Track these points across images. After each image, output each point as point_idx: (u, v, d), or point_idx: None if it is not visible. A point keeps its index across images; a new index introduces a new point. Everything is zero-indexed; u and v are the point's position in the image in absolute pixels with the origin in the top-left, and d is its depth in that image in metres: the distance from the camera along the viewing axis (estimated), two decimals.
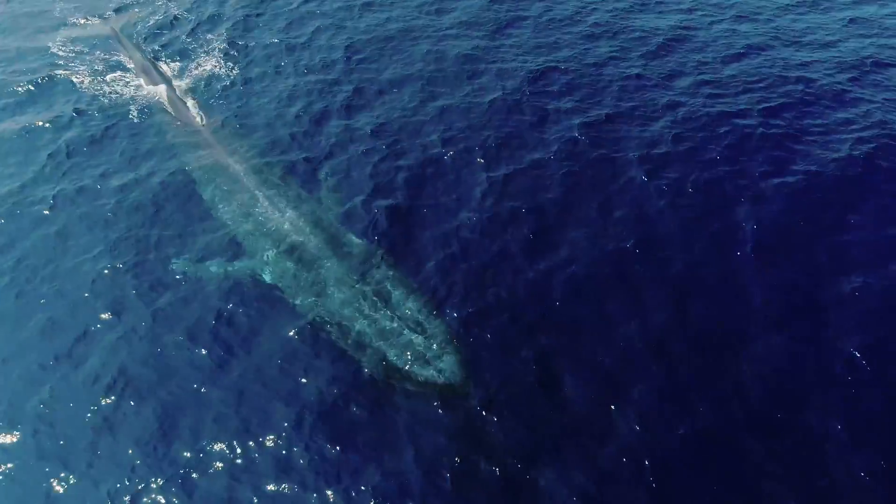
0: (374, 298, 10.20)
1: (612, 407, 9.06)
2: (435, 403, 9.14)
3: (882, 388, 9.09)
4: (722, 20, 19.57)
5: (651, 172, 13.11)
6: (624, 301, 10.53)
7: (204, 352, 9.93)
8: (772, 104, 15.35)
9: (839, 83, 16.20)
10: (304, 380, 9.53)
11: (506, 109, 15.36)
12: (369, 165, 13.66)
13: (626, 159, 13.53)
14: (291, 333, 10.13)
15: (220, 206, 12.49)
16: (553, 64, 17.14)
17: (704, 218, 11.98)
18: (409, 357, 9.45)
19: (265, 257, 11.24)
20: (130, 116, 15.41)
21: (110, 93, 16.32)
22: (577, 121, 14.75)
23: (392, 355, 9.53)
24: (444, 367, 9.28)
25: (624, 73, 16.74)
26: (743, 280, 10.73)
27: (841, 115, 14.93)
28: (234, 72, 17.31)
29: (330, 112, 15.62)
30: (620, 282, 10.89)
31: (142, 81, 16.63)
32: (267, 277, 10.96)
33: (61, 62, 17.72)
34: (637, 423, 8.85)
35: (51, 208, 12.69)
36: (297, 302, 10.53)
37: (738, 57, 17.42)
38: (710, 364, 9.54)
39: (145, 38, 19.17)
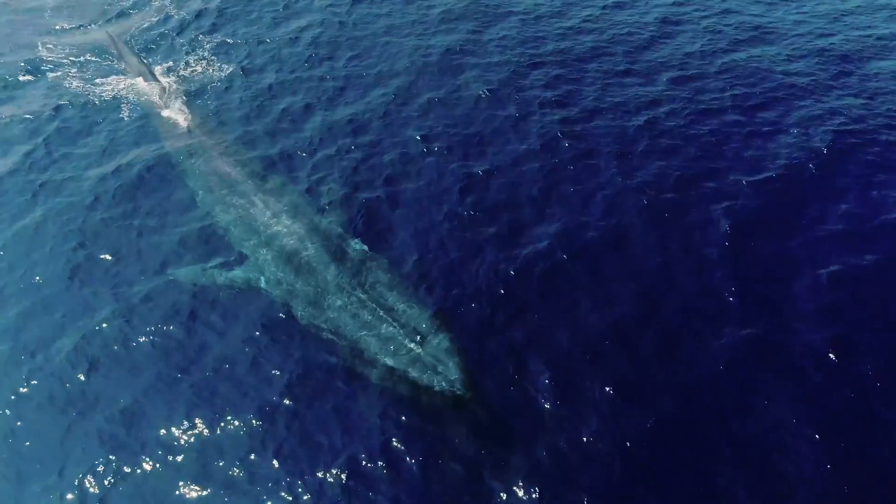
0: (355, 291, 10.24)
1: (582, 398, 9.11)
2: (407, 394, 9.23)
3: (850, 382, 9.12)
4: (710, 15, 19.57)
5: (631, 169, 13.15)
6: (597, 295, 10.57)
7: (179, 340, 10.04)
8: (756, 100, 15.37)
9: (825, 78, 16.20)
10: (280, 368, 9.61)
11: (490, 105, 15.42)
12: (353, 161, 13.74)
13: (606, 155, 13.57)
14: (267, 323, 10.24)
15: (203, 200, 12.60)
16: (539, 59, 17.19)
17: (681, 214, 12.01)
18: (391, 351, 9.46)
19: (246, 250, 11.34)
20: (117, 113, 15.46)
21: (97, 90, 16.40)
22: (559, 116, 14.79)
23: (374, 348, 9.54)
24: (425, 356, 9.29)
25: (610, 69, 16.77)
26: (716, 275, 10.75)
27: (825, 110, 14.93)
28: (222, 70, 17.37)
29: (315, 108, 15.70)
30: (595, 276, 10.94)
31: (130, 79, 16.74)
32: (249, 272, 11.05)
33: (51, 60, 17.82)
34: (606, 414, 8.91)
35: (31, 201, 12.77)
36: (275, 293, 10.63)
37: (725, 52, 17.44)
38: (680, 357, 9.59)
39: (135, 37, 19.25)
